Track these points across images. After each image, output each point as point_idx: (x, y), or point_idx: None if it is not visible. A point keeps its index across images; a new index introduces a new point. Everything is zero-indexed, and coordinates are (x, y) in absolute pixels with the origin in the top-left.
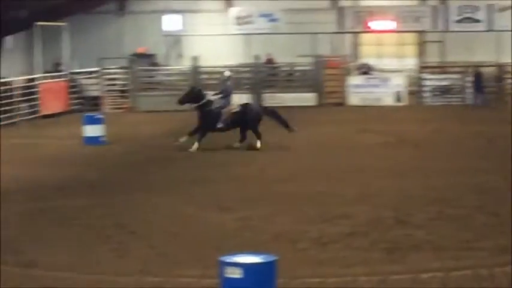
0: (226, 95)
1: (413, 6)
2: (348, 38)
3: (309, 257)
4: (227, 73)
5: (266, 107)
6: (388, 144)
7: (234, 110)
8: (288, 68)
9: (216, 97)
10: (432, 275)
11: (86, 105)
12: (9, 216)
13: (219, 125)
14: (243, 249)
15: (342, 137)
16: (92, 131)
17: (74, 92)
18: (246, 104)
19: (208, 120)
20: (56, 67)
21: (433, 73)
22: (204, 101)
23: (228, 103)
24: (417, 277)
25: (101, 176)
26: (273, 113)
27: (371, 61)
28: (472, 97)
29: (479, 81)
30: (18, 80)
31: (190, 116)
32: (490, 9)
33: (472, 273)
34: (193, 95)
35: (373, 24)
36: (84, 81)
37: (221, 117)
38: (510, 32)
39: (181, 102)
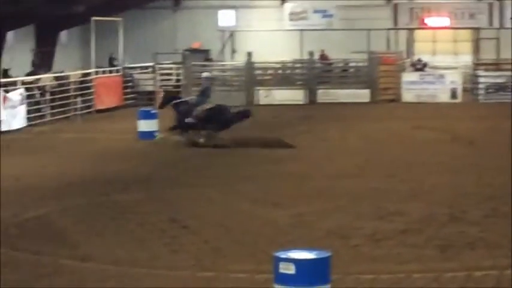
0: (203, 94)
1: (469, 3)
2: (403, 34)
3: (362, 254)
4: (205, 74)
5: (240, 111)
6: (443, 141)
7: (207, 107)
8: (341, 64)
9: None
10: (486, 273)
11: (140, 100)
12: (65, 210)
13: (188, 120)
14: (296, 245)
15: (396, 134)
16: (146, 125)
17: (129, 87)
18: (220, 104)
19: (179, 117)
20: (111, 62)
21: (487, 70)
22: (177, 101)
23: (203, 102)
24: (471, 275)
25: (155, 170)
26: (245, 114)
27: (426, 58)
28: None
29: None
30: (73, 74)
31: None
32: None
33: None
34: (169, 97)
35: (428, 21)
36: (138, 76)
37: (192, 113)
38: None
39: (160, 107)
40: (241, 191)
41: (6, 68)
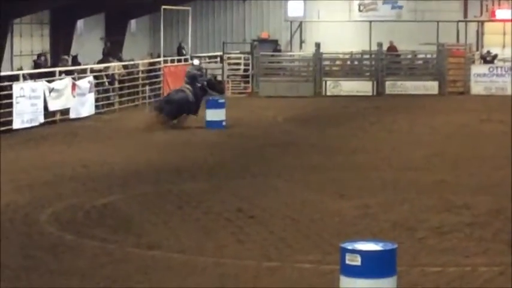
0: (191, 82)
1: None
2: (473, 26)
3: (428, 246)
4: (196, 61)
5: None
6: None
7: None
8: (410, 56)
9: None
10: None
11: None
12: (131, 198)
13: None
14: (362, 236)
15: (464, 126)
16: (214, 115)
17: None
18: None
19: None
20: (179, 50)
21: None
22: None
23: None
24: None
25: (222, 160)
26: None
27: (495, 50)
28: None
29: None
30: (141, 63)
31: (310, 102)
32: None
33: None
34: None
35: (499, 13)
36: (206, 66)
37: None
38: None
39: None
40: (308, 182)
41: (74, 54)
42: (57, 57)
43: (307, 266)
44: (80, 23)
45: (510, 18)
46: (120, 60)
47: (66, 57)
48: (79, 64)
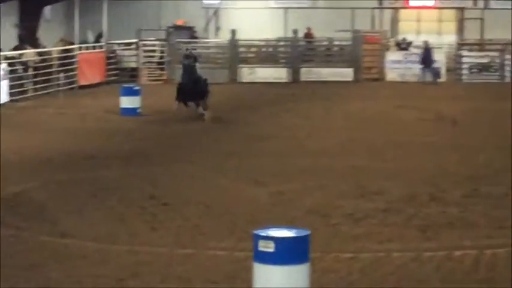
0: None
1: None
2: (387, 13)
3: (342, 232)
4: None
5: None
6: (426, 121)
7: None
8: (326, 43)
9: None
10: (465, 253)
11: (123, 77)
12: (45, 186)
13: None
14: (276, 223)
15: (379, 113)
16: (128, 102)
17: (112, 63)
18: None
19: None
20: (98, 38)
21: (471, 50)
22: None
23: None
24: (450, 254)
25: (136, 147)
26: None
27: (410, 37)
28: (420, 73)
29: (428, 56)
30: (56, 50)
31: (226, 89)
32: None
33: (505, 252)
34: None
35: (413, 0)
36: (121, 53)
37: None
38: None
39: None
40: (223, 168)
41: None
42: None
43: (221, 253)
44: None
45: (424, 5)
46: (39, 46)
47: None
48: None
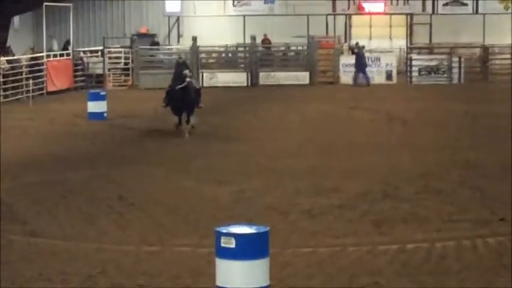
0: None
1: None
2: (341, 19)
3: (300, 228)
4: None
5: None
6: (378, 121)
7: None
8: (283, 48)
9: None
10: (417, 246)
11: (90, 83)
12: (15, 188)
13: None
14: (237, 220)
15: (334, 114)
16: (95, 107)
17: (79, 70)
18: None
19: None
20: (65, 46)
21: (420, 53)
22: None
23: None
24: (403, 247)
25: (103, 149)
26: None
27: (362, 42)
28: (354, 76)
29: (360, 60)
30: (25, 58)
31: None
32: None
33: (455, 244)
34: None
35: (365, 7)
36: (88, 60)
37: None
38: (496, 15)
39: None
40: (187, 169)
41: None
42: None
43: (185, 249)
44: None
45: (376, 11)
46: (9, 55)
47: None
48: None
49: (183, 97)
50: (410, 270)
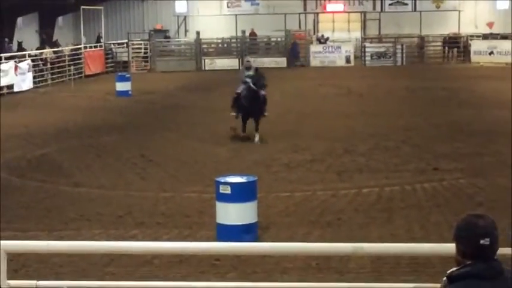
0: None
1: None
2: (310, 17)
3: (280, 178)
4: (249, 60)
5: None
6: (340, 95)
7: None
8: (265, 39)
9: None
10: (370, 190)
11: (118, 68)
12: (62, 149)
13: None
14: (232, 172)
15: (306, 90)
16: (122, 86)
17: (109, 58)
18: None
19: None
20: (98, 39)
21: (372, 42)
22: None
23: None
24: (359, 192)
25: (129, 120)
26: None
27: (327, 34)
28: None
29: (295, 49)
30: (67, 48)
31: (193, 75)
32: None
33: (400, 188)
34: None
35: (329, 7)
36: (116, 50)
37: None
38: (430, 12)
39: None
40: (193, 134)
41: (19, 41)
42: (2, 45)
43: (193, 195)
44: (19, 20)
45: (337, 10)
46: (56, 46)
47: (11, 44)
48: (24, 50)
49: (250, 105)
50: (365, 208)
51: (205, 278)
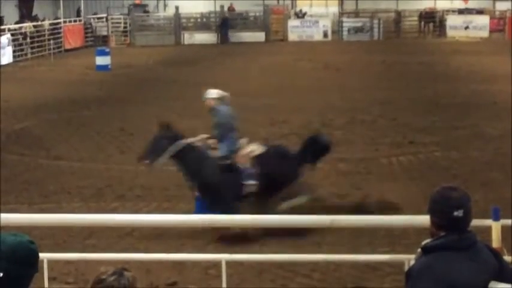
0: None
1: None
2: None
3: None
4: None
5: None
6: (317, 69)
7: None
8: (244, 14)
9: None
10: (347, 163)
11: (97, 42)
12: (42, 123)
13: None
14: None
15: (283, 64)
16: (101, 60)
17: (88, 32)
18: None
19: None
20: (78, 13)
21: (349, 17)
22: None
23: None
24: (335, 165)
25: (108, 94)
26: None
27: (305, 9)
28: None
29: (226, 25)
30: (47, 22)
31: (172, 49)
32: None
33: (375, 161)
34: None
35: None
36: (96, 24)
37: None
38: None
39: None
40: (171, 108)
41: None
42: None
43: (172, 168)
44: None
45: None
46: (35, 21)
47: None
48: (3, 24)
49: None
50: (341, 182)
51: (185, 250)
